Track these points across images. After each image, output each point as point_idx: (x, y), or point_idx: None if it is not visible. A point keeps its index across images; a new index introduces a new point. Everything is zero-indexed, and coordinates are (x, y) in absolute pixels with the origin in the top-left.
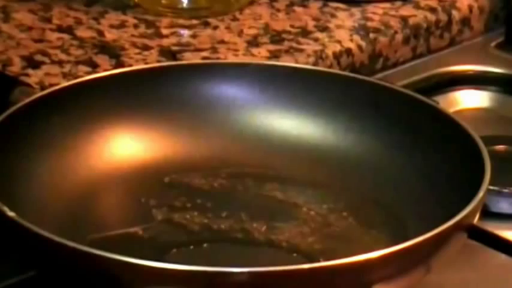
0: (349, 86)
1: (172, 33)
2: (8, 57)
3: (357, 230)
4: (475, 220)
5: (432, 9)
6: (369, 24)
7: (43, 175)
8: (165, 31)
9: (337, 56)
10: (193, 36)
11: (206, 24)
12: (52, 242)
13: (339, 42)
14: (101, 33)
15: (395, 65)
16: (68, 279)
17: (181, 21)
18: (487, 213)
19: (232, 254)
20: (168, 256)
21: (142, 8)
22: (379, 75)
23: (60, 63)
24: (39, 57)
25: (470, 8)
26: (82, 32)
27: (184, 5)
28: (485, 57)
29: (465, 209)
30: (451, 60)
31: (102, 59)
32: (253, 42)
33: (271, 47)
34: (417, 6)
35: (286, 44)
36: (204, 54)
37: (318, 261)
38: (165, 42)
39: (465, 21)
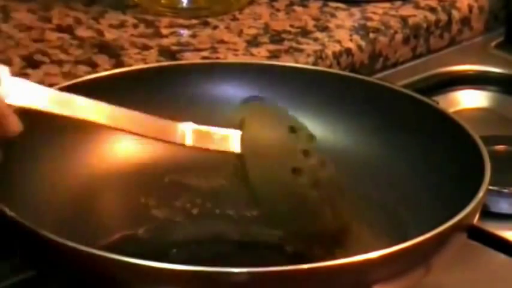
0: (349, 86)
1: (172, 33)
2: (8, 57)
3: (356, 230)
4: (475, 220)
5: (432, 9)
6: (369, 24)
7: (43, 175)
8: (164, 31)
9: (337, 56)
10: (193, 36)
11: (206, 24)
12: (52, 242)
13: (339, 42)
14: (100, 33)
15: (395, 65)
16: (68, 279)
17: (180, 21)
18: (487, 213)
19: (232, 254)
20: (168, 256)
21: (141, 7)
22: (379, 75)
23: (59, 63)
24: (38, 57)
25: (470, 8)
26: (82, 32)
27: (184, 4)
28: (485, 57)
29: (465, 209)
30: (451, 60)
31: (101, 59)
32: (253, 42)
33: (271, 47)
34: (417, 6)
35: (286, 43)
36: (204, 54)
37: (318, 261)
38: (165, 42)
39: (465, 21)
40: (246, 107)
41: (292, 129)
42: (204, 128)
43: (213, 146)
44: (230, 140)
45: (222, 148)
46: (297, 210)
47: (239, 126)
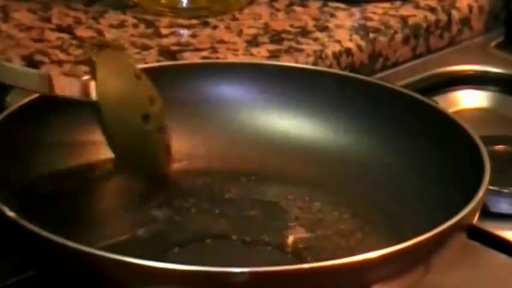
0: (349, 86)
1: (172, 33)
2: (8, 56)
3: (356, 229)
4: (475, 220)
5: (432, 9)
6: (369, 24)
7: (43, 175)
8: (164, 31)
9: (336, 55)
10: (193, 36)
11: (205, 24)
12: (52, 242)
13: (339, 42)
14: (100, 32)
15: (395, 65)
16: (68, 279)
17: (180, 20)
18: (487, 213)
19: (232, 254)
20: (168, 256)
21: (141, 7)
22: (379, 75)
23: (59, 63)
24: (38, 57)
25: (470, 8)
26: (81, 32)
27: (184, 4)
28: (485, 57)
29: (465, 209)
30: (451, 60)
31: None
32: (253, 42)
33: (271, 47)
34: (417, 6)
35: (286, 43)
36: (204, 54)
37: (317, 261)
38: (165, 42)
39: (465, 21)
40: (96, 52)
41: (138, 77)
42: (62, 77)
43: (73, 94)
44: (88, 88)
45: (81, 96)
46: (145, 155)
47: (91, 72)
